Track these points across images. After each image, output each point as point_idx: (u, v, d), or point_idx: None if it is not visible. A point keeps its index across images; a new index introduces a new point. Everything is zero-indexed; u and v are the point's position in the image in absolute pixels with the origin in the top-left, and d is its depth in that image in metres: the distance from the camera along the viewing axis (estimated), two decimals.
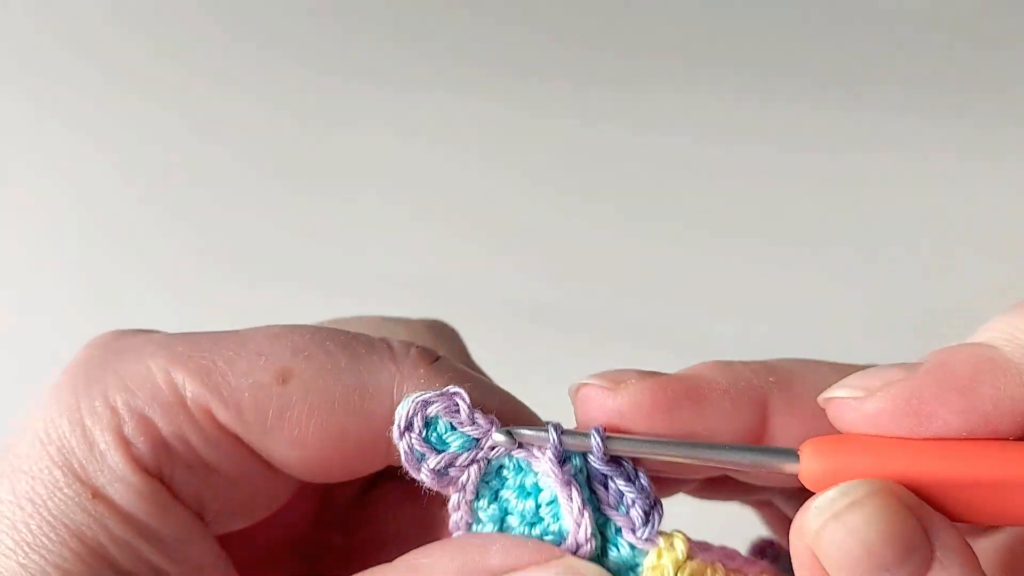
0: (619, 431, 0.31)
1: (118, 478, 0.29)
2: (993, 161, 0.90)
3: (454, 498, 0.32)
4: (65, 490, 0.29)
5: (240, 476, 0.31)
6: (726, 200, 0.91)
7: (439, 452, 0.31)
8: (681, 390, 0.31)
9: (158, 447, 0.30)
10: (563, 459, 0.31)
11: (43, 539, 0.28)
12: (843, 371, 0.31)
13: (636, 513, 0.31)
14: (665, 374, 0.32)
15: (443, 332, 0.37)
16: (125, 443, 0.29)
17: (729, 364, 0.32)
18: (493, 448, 0.31)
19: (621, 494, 0.32)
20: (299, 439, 0.30)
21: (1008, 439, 0.29)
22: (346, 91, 0.94)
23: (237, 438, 0.30)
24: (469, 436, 0.31)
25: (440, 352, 0.34)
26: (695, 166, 0.92)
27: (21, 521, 0.29)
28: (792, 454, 0.30)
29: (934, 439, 0.29)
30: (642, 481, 0.32)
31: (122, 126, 0.93)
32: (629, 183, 0.92)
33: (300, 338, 0.31)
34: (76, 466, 0.29)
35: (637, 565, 0.32)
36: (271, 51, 0.95)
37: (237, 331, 0.32)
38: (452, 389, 0.31)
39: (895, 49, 0.92)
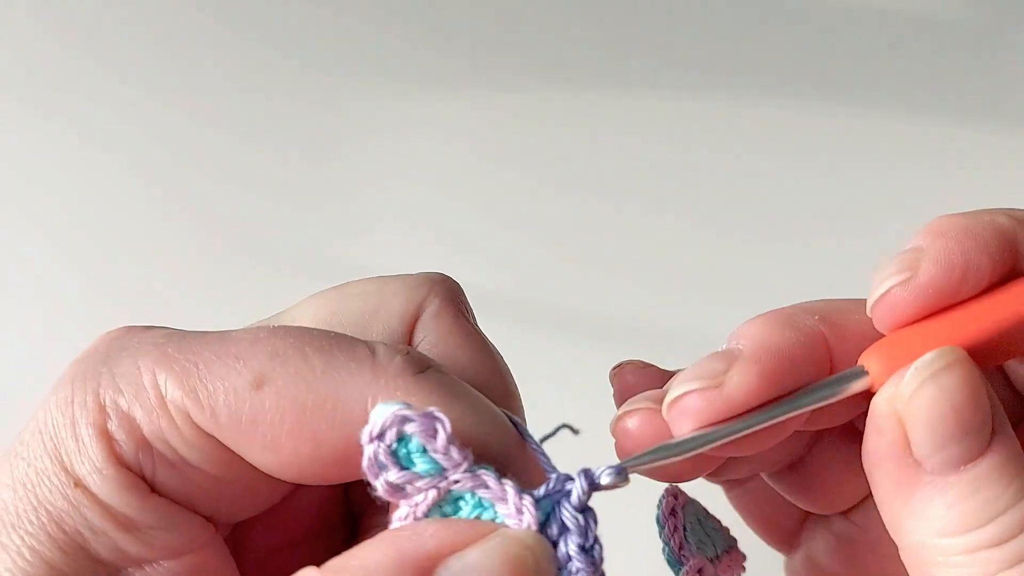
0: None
1: (96, 470, 0.30)
2: (992, 162, 0.90)
3: (403, 510, 0.30)
4: (52, 478, 0.30)
5: (224, 474, 0.32)
6: (727, 200, 0.91)
7: (403, 469, 0.29)
8: (773, 367, 0.31)
9: (140, 445, 0.30)
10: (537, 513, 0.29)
11: (24, 521, 0.30)
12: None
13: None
14: (732, 356, 0.31)
15: (442, 288, 0.36)
16: (108, 438, 0.30)
17: (776, 318, 0.32)
18: (457, 482, 0.29)
19: (569, 558, 0.30)
20: (272, 444, 0.30)
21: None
22: (352, 91, 0.94)
23: (216, 439, 0.31)
24: (438, 464, 0.29)
25: (439, 305, 0.35)
26: (697, 166, 0.92)
27: (11, 503, 0.30)
28: (856, 372, 0.31)
29: (976, 297, 0.30)
30: (594, 555, 0.30)
31: (133, 124, 0.94)
32: (631, 183, 0.92)
33: (281, 342, 0.31)
34: (64, 456, 0.30)
35: None
36: (278, 50, 0.95)
37: (226, 332, 0.32)
38: (436, 413, 0.29)
39: (893, 51, 0.92)
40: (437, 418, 0.28)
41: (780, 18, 0.93)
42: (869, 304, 0.32)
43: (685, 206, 0.91)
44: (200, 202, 0.92)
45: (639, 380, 0.36)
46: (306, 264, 0.89)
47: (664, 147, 0.92)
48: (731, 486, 0.41)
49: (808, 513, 0.40)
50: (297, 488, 0.35)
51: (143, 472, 0.31)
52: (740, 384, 0.30)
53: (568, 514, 0.29)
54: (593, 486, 0.29)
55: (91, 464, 0.30)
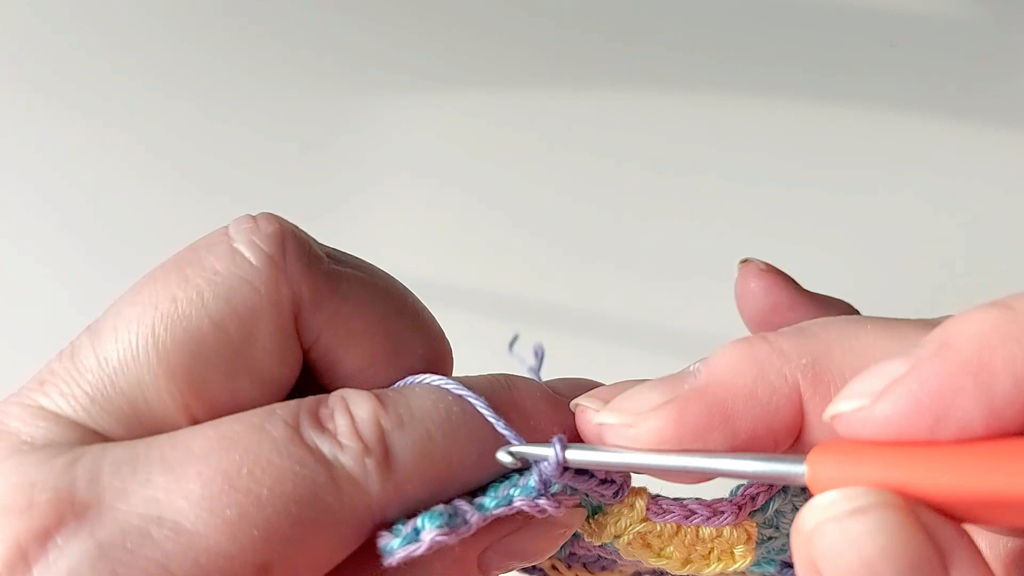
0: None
1: None
2: (993, 160, 0.90)
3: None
4: None
5: None
6: (726, 198, 0.91)
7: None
8: (704, 411, 0.28)
9: None
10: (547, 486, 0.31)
11: None
12: (892, 332, 0.28)
13: (607, 493, 0.33)
14: (679, 387, 0.29)
15: (302, 269, 0.31)
16: None
17: (752, 351, 0.28)
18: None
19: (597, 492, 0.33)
20: None
21: None
22: (352, 90, 0.95)
23: None
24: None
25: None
26: (696, 165, 0.92)
27: None
28: (800, 461, 0.27)
29: (958, 442, 0.24)
30: (613, 479, 0.33)
31: (131, 119, 0.94)
32: (629, 180, 0.93)
33: (261, 513, 0.27)
34: None
35: (601, 507, 0.34)
36: (279, 48, 0.95)
37: (176, 504, 0.27)
38: (427, 538, 0.28)
39: (893, 50, 0.93)
40: (429, 542, 0.28)
41: (780, 17, 0.93)
42: (825, 412, 0.27)
43: (684, 204, 0.91)
44: (197, 196, 0.92)
45: (761, 285, 0.38)
46: None
47: (663, 145, 0.93)
48: None
49: None
50: None
51: None
52: (652, 431, 0.29)
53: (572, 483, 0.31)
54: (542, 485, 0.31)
55: None
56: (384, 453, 0.28)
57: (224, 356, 0.29)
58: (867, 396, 0.25)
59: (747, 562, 0.35)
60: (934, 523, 0.25)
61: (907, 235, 0.89)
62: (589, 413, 0.30)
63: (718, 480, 0.38)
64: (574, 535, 0.35)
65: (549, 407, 0.32)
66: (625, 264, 0.90)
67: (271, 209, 0.31)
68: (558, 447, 0.30)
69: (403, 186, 0.93)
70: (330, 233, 1.02)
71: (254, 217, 0.31)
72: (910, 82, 0.92)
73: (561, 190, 0.93)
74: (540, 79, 0.95)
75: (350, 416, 0.29)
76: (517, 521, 0.30)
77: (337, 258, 0.32)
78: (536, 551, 0.31)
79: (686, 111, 0.93)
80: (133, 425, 0.28)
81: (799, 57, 0.93)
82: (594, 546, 0.35)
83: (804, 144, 0.92)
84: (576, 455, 0.30)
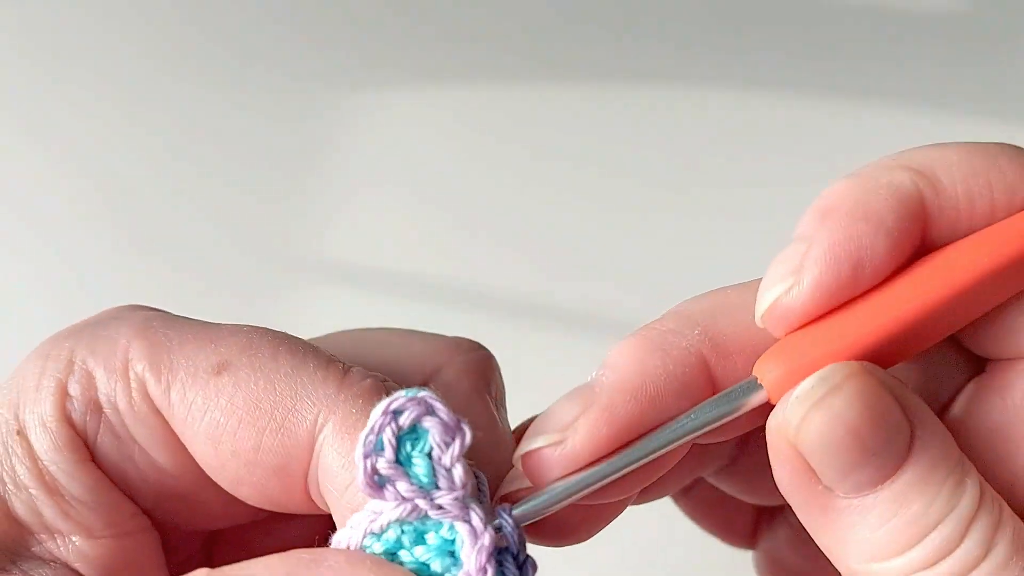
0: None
1: (41, 422, 0.30)
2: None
3: (343, 532, 0.28)
4: (2, 425, 0.30)
5: (168, 465, 0.30)
6: (723, 197, 0.91)
7: (397, 463, 0.26)
8: (631, 400, 0.28)
9: (91, 406, 0.30)
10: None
11: None
12: (750, 285, 0.30)
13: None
14: (595, 389, 0.28)
15: (465, 358, 0.33)
16: (63, 392, 0.30)
17: (648, 337, 0.29)
18: (440, 508, 0.26)
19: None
20: (214, 436, 0.29)
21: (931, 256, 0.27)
22: (348, 86, 0.95)
23: (165, 420, 0.30)
24: (433, 478, 0.26)
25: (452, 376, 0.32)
26: (693, 164, 0.92)
27: None
28: (751, 384, 0.28)
29: (875, 288, 0.27)
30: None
31: (119, 121, 0.94)
32: (631, 181, 0.92)
33: (260, 338, 0.29)
34: (20, 403, 0.30)
35: None
36: (272, 47, 0.95)
37: (222, 324, 0.31)
38: (464, 424, 0.26)
39: (894, 47, 0.92)
40: (462, 428, 0.26)
41: (779, 12, 0.93)
42: (757, 315, 0.28)
43: (680, 204, 0.91)
44: (185, 199, 0.92)
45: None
46: (291, 260, 0.89)
47: (659, 143, 0.92)
48: (677, 496, 0.39)
49: (762, 507, 0.39)
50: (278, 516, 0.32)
51: (87, 436, 0.30)
52: (585, 439, 0.28)
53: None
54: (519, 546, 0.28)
55: (39, 415, 0.30)
56: (393, 388, 0.28)
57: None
58: (788, 276, 0.28)
59: None
60: (893, 383, 0.27)
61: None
62: (534, 448, 0.28)
63: None
64: None
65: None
66: (617, 262, 0.90)
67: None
68: (506, 516, 0.27)
69: (389, 182, 0.93)
70: (322, 230, 1.01)
71: None
72: (910, 79, 0.92)
73: (554, 187, 0.92)
74: (528, 74, 0.95)
75: None
76: None
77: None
78: None
79: (678, 108, 0.93)
80: None
81: (797, 55, 0.93)
82: None
83: (801, 143, 0.92)
84: (523, 508, 0.28)
